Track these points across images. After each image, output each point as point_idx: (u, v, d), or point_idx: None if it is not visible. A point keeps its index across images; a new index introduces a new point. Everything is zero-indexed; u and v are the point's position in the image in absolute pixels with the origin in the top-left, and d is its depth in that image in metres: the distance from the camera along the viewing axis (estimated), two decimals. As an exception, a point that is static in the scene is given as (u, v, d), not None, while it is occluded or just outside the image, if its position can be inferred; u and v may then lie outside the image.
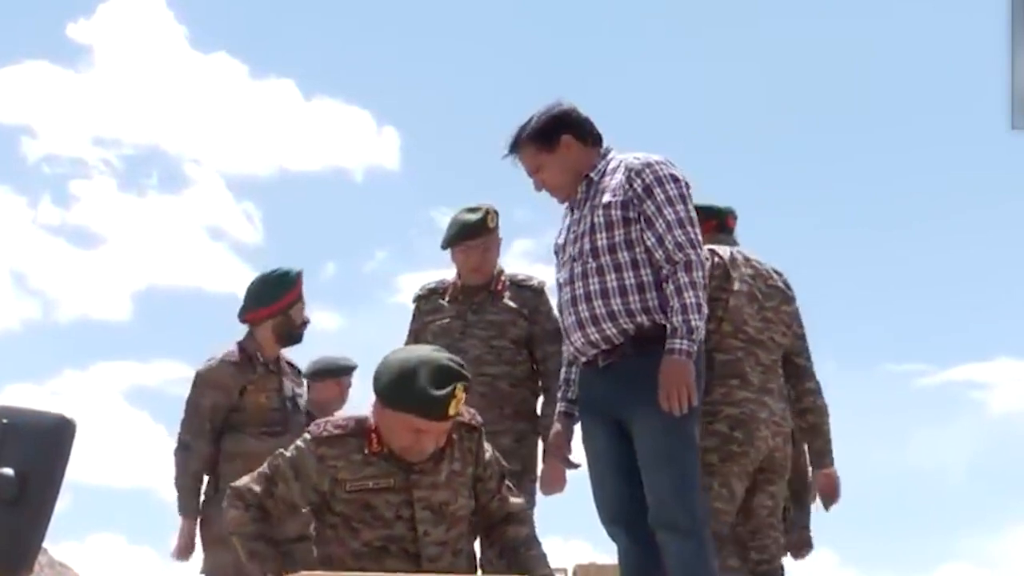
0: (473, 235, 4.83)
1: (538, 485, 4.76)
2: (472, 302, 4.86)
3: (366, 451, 3.40)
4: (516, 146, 3.96)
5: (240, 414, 4.93)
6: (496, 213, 4.87)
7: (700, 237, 3.79)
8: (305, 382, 5.42)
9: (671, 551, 3.69)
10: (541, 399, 4.85)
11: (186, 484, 4.97)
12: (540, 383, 4.83)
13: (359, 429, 3.43)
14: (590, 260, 3.82)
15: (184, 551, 5.03)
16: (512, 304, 4.85)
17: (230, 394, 4.93)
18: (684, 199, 3.79)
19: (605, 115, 4.12)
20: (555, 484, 4.72)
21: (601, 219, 3.83)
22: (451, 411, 3.33)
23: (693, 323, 3.63)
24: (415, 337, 4.95)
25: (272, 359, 5.05)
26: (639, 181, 3.80)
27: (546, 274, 5.01)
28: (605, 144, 4.01)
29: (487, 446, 3.59)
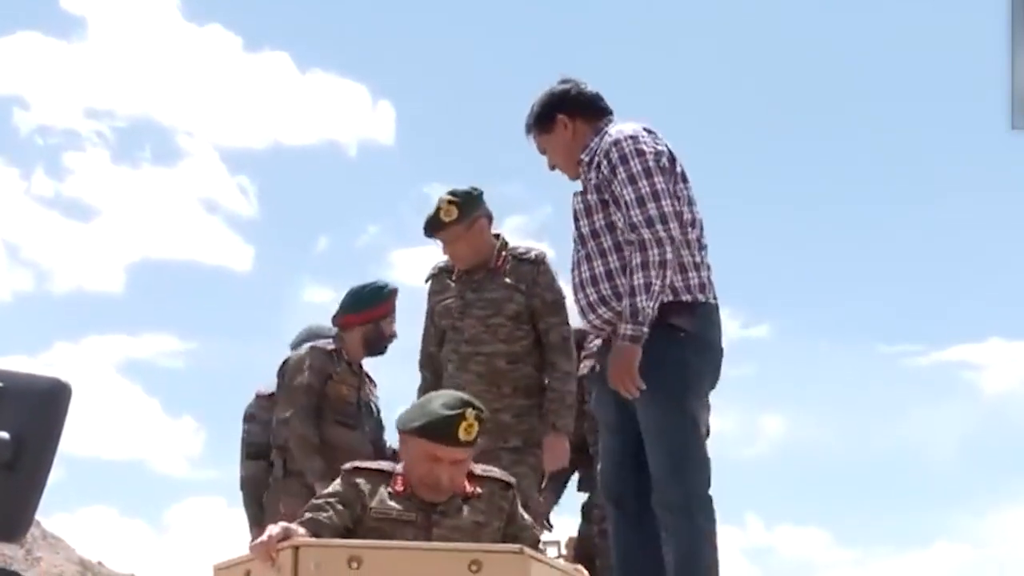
0: (434, 230, 4.72)
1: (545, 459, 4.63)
2: (473, 281, 4.79)
3: (392, 490, 3.41)
4: (528, 131, 4.06)
5: (321, 400, 5.05)
6: (456, 203, 4.67)
7: (666, 209, 3.72)
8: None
9: (668, 528, 3.72)
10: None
11: (300, 447, 4.95)
12: (544, 356, 4.70)
13: (388, 470, 3.47)
14: (580, 248, 3.88)
15: None
16: (508, 280, 4.74)
17: (319, 376, 5.06)
18: (648, 173, 3.76)
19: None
20: (558, 458, 4.63)
21: (581, 205, 3.88)
22: (461, 434, 3.34)
23: (638, 305, 3.65)
24: (429, 317, 4.92)
25: (356, 362, 5.21)
26: (606, 163, 3.81)
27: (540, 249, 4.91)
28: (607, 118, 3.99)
29: (522, 511, 3.55)
